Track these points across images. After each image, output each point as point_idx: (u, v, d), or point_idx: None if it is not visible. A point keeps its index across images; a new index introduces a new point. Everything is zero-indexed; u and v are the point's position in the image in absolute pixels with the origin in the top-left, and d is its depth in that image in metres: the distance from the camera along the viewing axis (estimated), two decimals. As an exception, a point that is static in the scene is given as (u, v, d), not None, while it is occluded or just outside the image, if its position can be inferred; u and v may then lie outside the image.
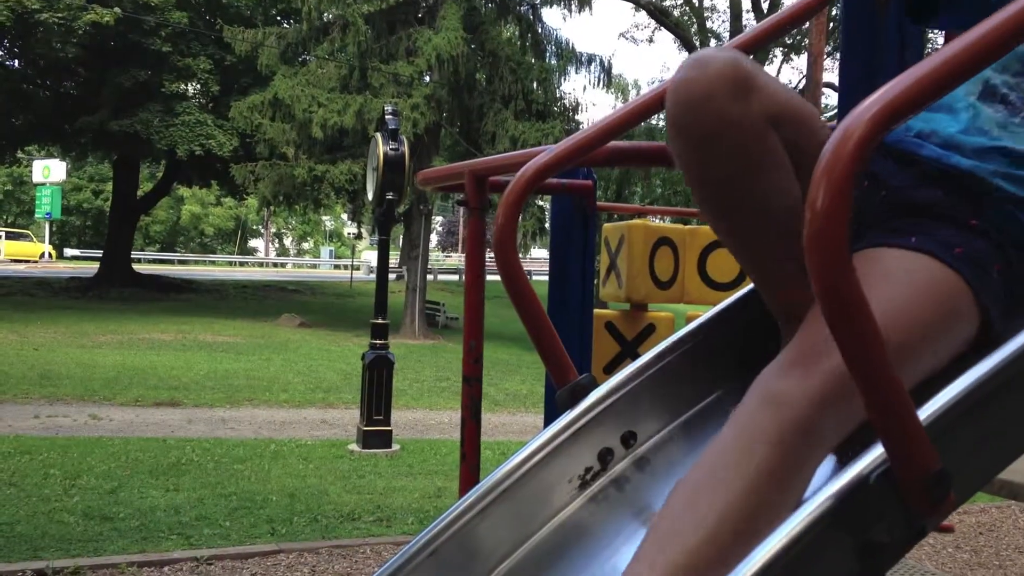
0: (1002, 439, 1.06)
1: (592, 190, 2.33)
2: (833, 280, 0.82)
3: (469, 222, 1.77)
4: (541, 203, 18.81)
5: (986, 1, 1.19)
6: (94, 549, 4.06)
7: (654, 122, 22.34)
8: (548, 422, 1.73)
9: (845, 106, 2.02)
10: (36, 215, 39.85)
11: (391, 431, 6.95)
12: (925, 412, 0.97)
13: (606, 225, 3.10)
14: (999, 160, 1.21)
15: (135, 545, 4.15)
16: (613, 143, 1.50)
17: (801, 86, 19.27)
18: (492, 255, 1.42)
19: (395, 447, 6.88)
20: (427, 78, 17.54)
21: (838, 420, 1.05)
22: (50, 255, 38.54)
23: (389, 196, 6.59)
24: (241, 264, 47.86)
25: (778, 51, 23.20)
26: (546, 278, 2.50)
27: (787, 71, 33.45)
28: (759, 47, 1.56)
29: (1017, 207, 1.20)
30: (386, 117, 6.70)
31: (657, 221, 3.94)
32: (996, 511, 5.29)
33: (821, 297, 0.84)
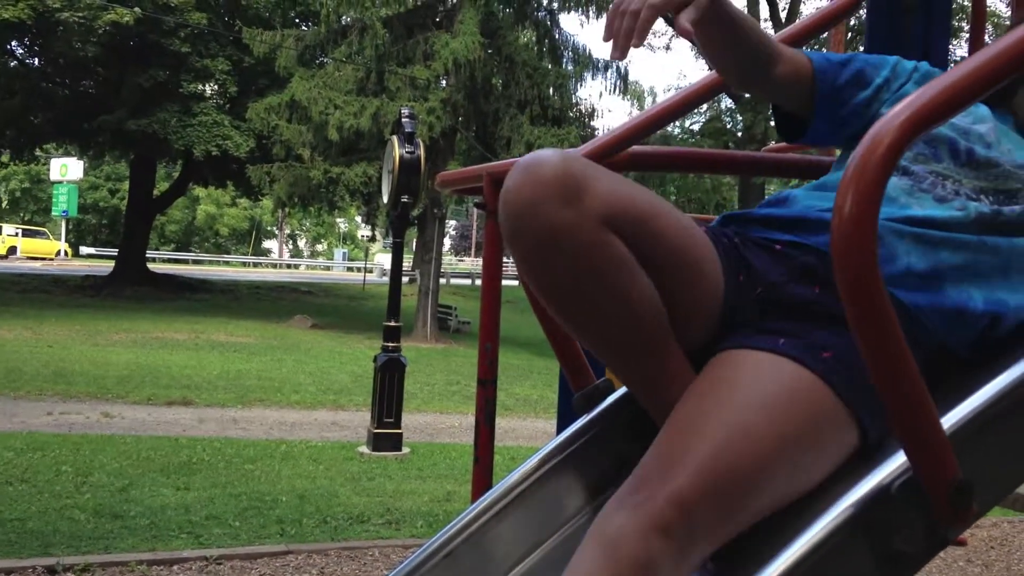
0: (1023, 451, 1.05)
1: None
2: (860, 285, 0.83)
3: (486, 224, 1.77)
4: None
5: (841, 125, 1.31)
6: (104, 547, 4.07)
7: (669, 129, 22.33)
8: (561, 427, 1.73)
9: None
10: (53, 213, 40.17)
11: (401, 434, 6.95)
12: (948, 422, 0.96)
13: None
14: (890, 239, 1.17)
15: (145, 543, 4.15)
16: (634, 148, 1.49)
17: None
18: (508, 258, 1.41)
19: (405, 450, 6.88)
20: (443, 82, 17.58)
21: (692, 542, 0.97)
22: (66, 253, 38.83)
23: (404, 199, 6.59)
24: (255, 265, 48.08)
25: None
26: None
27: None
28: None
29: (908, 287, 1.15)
30: (403, 120, 6.71)
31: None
32: (1008, 525, 5.24)
33: (848, 302, 0.84)
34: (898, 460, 0.94)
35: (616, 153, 1.29)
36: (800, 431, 1.02)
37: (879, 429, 1.07)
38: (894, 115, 0.84)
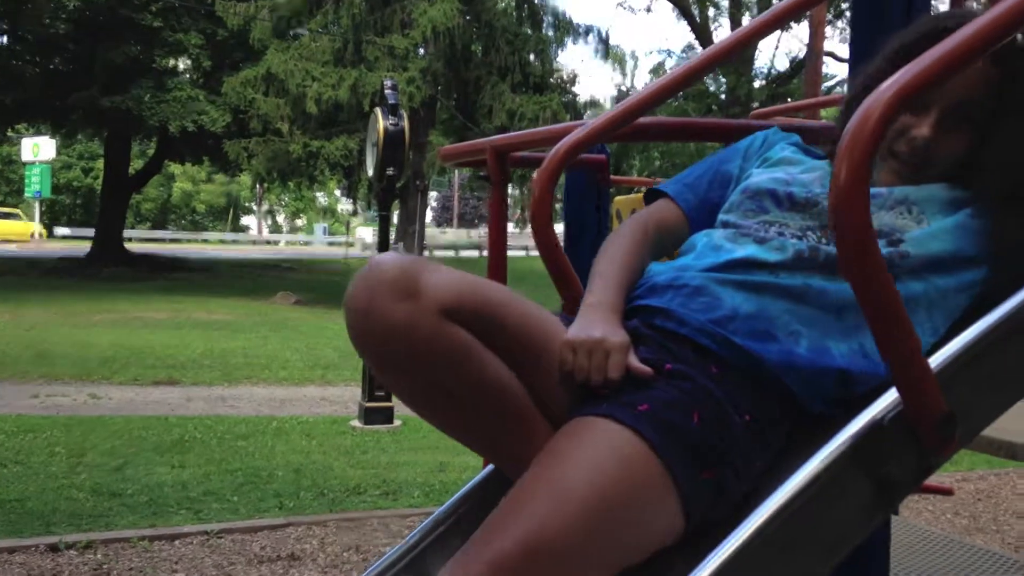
0: (1001, 387, 1.16)
1: (606, 164, 2.35)
2: (855, 247, 0.92)
3: (491, 196, 1.79)
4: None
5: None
6: (105, 524, 4.10)
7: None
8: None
9: (853, 81, 2.05)
10: (26, 194, 39.58)
11: (393, 407, 6.98)
12: (934, 362, 1.06)
13: (617, 198, 3.12)
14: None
15: (145, 520, 4.18)
16: (640, 120, 1.52)
17: (802, 55, 19.23)
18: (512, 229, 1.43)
19: (397, 423, 6.92)
20: (422, 51, 17.43)
21: None
22: (40, 235, 38.34)
23: (389, 171, 6.58)
24: (234, 242, 47.71)
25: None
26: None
27: (787, 39, 33.31)
28: (771, 29, 1.59)
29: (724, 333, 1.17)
30: (385, 92, 6.67)
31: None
32: (995, 478, 5.37)
33: (844, 262, 0.94)
34: (890, 397, 1.03)
35: (627, 124, 1.31)
36: (620, 490, 1.03)
37: (695, 481, 1.06)
38: (883, 90, 0.92)
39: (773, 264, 1.19)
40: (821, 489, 1.01)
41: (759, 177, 1.32)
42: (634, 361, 1.14)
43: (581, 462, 1.04)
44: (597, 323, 1.17)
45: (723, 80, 22.04)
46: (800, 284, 1.18)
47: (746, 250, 1.22)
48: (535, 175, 1.28)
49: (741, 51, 1.58)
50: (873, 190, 1.23)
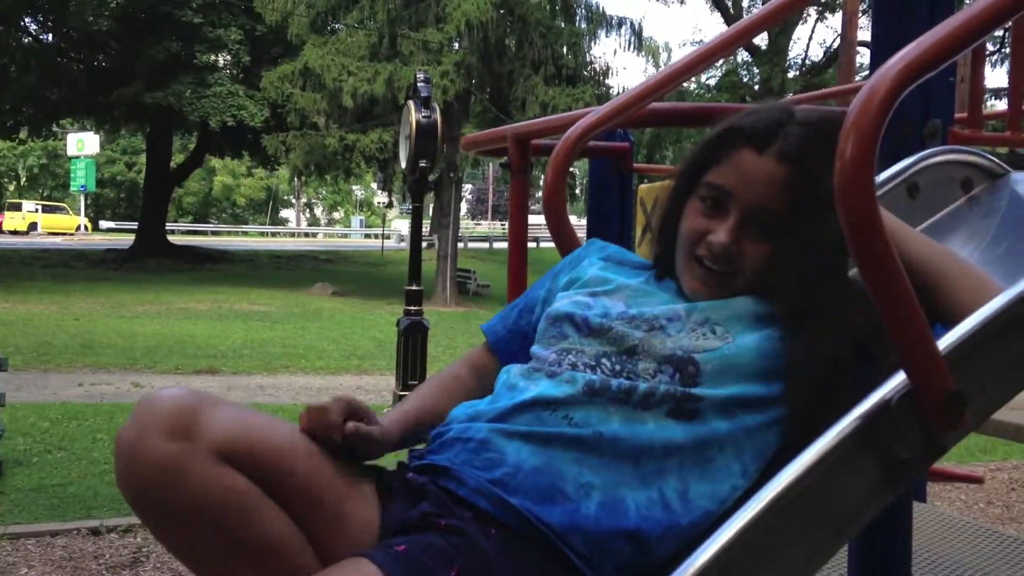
0: (1016, 367, 1.13)
1: (629, 152, 2.36)
2: (862, 219, 0.91)
3: (512, 184, 1.81)
4: (572, 169, 18.75)
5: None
6: (145, 508, 4.20)
7: (685, 85, 22.11)
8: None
9: (875, 66, 2.03)
10: (71, 188, 40.48)
11: (426, 396, 7.04)
12: (946, 341, 1.05)
13: (641, 187, 3.12)
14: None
15: (184, 505, 4.29)
16: (653, 104, 1.53)
17: (836, 45, 18.94)
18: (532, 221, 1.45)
19: (431, 412, 6.99)
20: (456, 45, 17.48)
21: None
22: (86, 227, 39.20)
23: (422, 164, 6.60)
24: (273, 234, 48.33)
25: (812, 10, 22.79)
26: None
27: (821, 30, 32.83)
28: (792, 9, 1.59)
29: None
30: (418, 84, 6.69)
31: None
32: (1030, 468, 5.30)
33: (850, 236, 0.92)
34: (898, 378, 1.02)
35: (639, 108, 1.33)
36: None
37: None
38: (889, 67, 0.91)
39: (562, 401, 1.11)
40: (830, 467, 1.01)
41: (562, 301, 1.25)
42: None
43: None
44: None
45: (756, 71, 21.78)
46: (591, 434, 1.09)
47: (537, 388, 1.14)
48: (549, 160, 1.30)
49: (756, 34, 1.58)
50: (672, 307, 1.20)
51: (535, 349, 1.22)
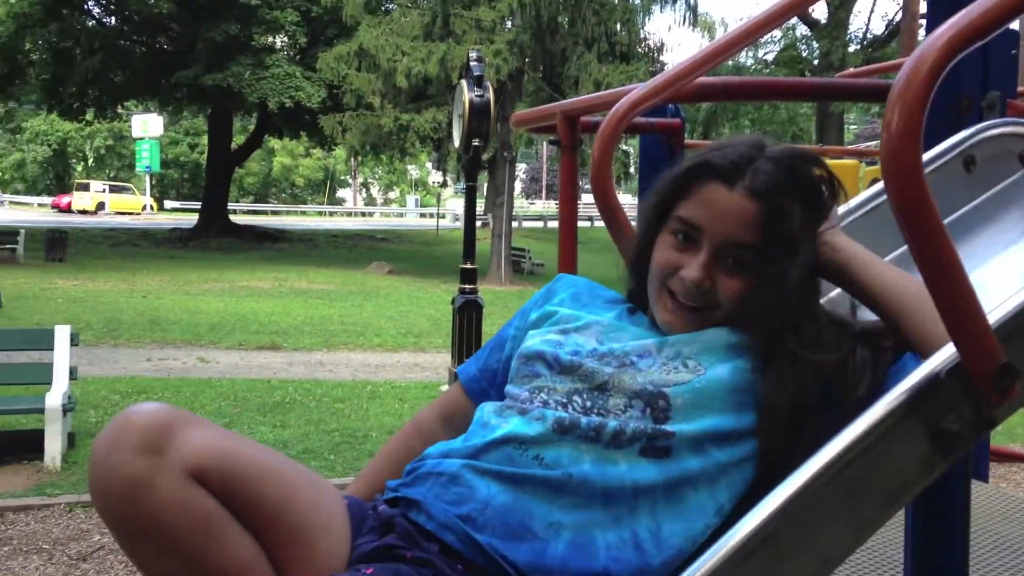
0: None
1: (680, 128, 2.36)
2: (909, 191, 0.89)
3: (562, 161, 1.83)
4: (626, 147, 18.60)
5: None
6: (211, 478, 4.36)
7: (742, 59, 21.69)
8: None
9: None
10: (137, 169, 41.55)
11: (481, 373, 7.13)
12: (995, 315, 1.04)
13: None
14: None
15: (248, 475, 4.44)
16: (702, 79, 1.53)
17: (898, 18, 18.35)
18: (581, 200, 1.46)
19: (485, 388, 7.08)
20: (509, 23, 17.43)
21: None
22: (152, 207, 40.20)
23: (475, 143, 6.66)
24: (331, 214, 48.96)
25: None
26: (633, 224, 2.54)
27: (884, 2, 31.78)
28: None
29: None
30: (471, 64, 6.73)
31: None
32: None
33: (897, 207, 0.91)
34: (947, 351, 1.02)
35: (687, 82, 1.33)
36: None
37: None
38: (937, 36, 0.89)
39: (532, 440, 1.11)
40: (879, 439, 1.02)
41: (533, 340, 1.25)
42: None
43: None
44: None
45: (816, 45, 21.23)
46: (561, 475, 1.08)
47: (508, 426, 1.14)
48: (596, 136, 1.31)
49: (810, 4, 1.56)
50: (643, 342, 1.20)
51: (509, 388, 1.22)
